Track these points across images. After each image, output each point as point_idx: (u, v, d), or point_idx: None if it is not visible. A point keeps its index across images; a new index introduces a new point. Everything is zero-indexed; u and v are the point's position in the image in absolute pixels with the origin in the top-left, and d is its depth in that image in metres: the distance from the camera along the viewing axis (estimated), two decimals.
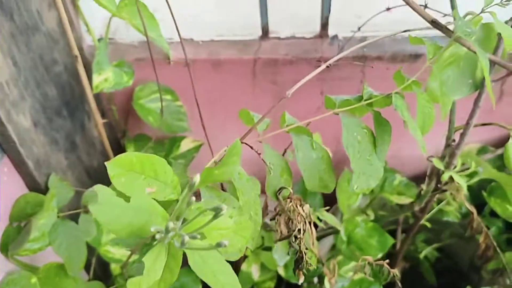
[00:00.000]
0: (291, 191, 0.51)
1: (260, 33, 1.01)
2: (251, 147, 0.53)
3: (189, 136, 1.14)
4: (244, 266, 1.02)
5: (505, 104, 1.06)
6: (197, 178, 0.36)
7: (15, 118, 0.71)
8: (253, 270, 1.03)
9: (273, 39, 1.01)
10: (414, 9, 0.57)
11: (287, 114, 0.59)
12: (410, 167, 1.22)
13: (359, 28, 0.93)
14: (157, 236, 0.33)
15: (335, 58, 0.57)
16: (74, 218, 0.79)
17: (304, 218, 0.49)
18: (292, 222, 0.49)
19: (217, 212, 0.34)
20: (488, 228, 1.00)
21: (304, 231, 0.49)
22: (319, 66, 1.01)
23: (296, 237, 0.49)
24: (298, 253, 0.50)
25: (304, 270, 0.51)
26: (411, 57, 0.97)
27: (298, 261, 0.51)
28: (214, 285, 0.36)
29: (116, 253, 0.86)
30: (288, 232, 0.49)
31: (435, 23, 0.57)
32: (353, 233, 0.90)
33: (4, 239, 0.73)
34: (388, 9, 0.90)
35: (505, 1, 0.54)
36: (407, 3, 0.57)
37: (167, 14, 1.07)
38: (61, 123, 0.84)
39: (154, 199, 0.39)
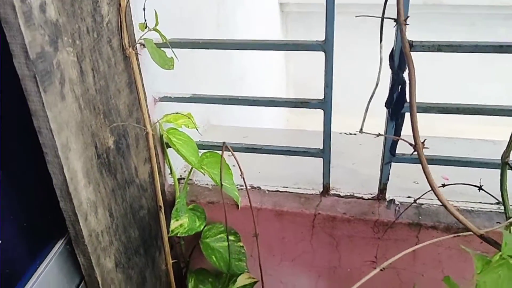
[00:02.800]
0: None
1: (321, 189, 1.10)
2: None
3: (246, 273, 1.21)
4: None
5: None
6: None
7: (102, 262, 0.82)
8: None
9: (333, 195, 1.10)
10: (460, 221, 0.63)
11: None
12: None
13: (415, 200, 1.00)
14: None
15: (387, 263, 0.63)
16: None
17: None
18: None
19: None
20: None
21: None
22: (376, 226, 1.07)
23: None
24: None
25: None
26: (466, 229, 1.01)
27: None
28: None
29: None
30: None
31: (483, 238, 0.63)
32: None
33: None
34: (443, 185, 0.96)
35: None
36: (453, 215, 0.63)
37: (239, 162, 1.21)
38: (137, 261, 0.94)
39: None
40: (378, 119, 1.09)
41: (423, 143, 0.60)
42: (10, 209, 0.69)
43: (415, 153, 0.99)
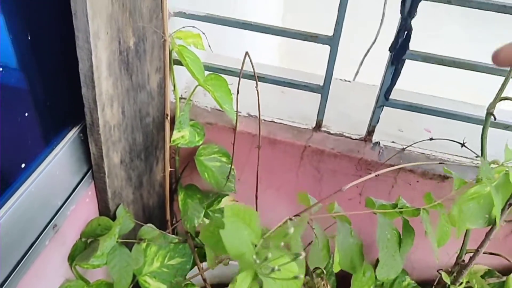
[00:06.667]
0: (324, 271, 0.64)
1: (314, 125, 1.17)
2: (309, 223, 0.67)
3: (231, 195, 1.28)
4: None
5: None
6: (291, 230, 0.52)
7: (110, 155, 0.87)
8: None
9: (324, 132, 1.17)
10: None
11: (336, 204, 0.73)
12: (419, 272, 1.32)
13: (403, 148, 1.08)
14: (253, 260, 0.47)
15: (383, 171, 0.71)
16: (128, 246, 0.93)
17: None
18: None
19: (296, 256, 0.48)
20: None
21: None
22: (359, 164, 1.15)
23: None
24: None
25: None
26: (440, 177, 1.11)
27: None
28: None
29: (152, 284, 0.98)
30: None
31: None
32: None
33: (73, 250, 0.87)
34: (431, 139, 1.05)
35: None
36: None
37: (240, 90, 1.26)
38: (138, 164, 1.00)
39: None
40: (375, 67, 1.15)
41: None
42: (35, 88, 0.72)
43: (407, 100, 1.06)
